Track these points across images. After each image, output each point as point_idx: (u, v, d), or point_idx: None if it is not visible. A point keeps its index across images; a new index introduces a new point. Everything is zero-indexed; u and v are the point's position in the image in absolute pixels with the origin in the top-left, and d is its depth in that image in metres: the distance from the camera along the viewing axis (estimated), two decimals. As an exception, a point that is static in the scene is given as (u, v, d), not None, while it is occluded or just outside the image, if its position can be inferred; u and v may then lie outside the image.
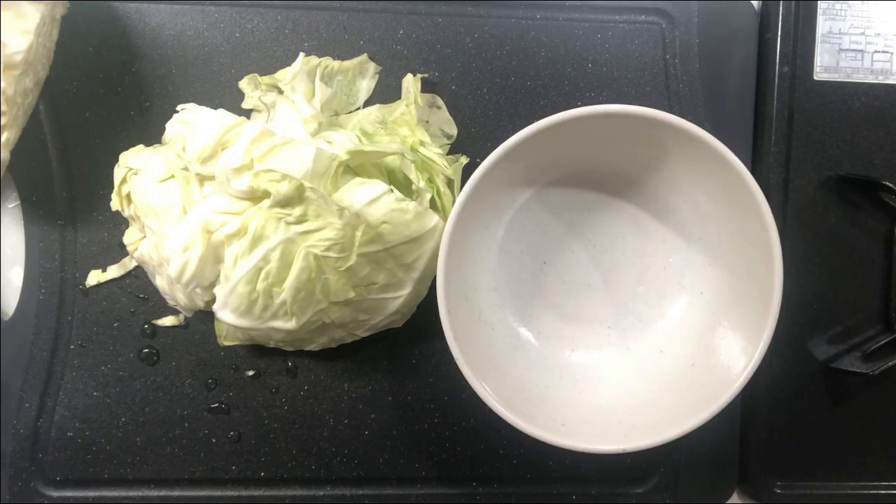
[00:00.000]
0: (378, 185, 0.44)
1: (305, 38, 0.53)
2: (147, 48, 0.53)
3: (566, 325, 0.53)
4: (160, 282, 0.46)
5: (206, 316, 0.51)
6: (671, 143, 0.47)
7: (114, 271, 0.52)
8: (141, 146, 0.48)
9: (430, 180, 0.49)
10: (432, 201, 0.49)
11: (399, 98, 0.53)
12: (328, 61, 0.52)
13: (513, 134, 0.45)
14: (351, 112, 0.53)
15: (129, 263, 0.52)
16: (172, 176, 0.45)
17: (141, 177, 0.46)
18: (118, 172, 0.47)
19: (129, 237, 0.48)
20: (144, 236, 0.46)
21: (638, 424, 0.47)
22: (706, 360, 0.49)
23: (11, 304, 0.52)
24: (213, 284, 0.44)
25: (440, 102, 0.54)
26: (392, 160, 0.48)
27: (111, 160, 0.52)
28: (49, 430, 0.52)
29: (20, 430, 0.51)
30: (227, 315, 0.44)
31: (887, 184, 0.53)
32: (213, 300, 0.45)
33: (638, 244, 0.53)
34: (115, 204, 0.48)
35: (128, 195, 0.47)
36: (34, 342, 0.52)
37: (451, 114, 0.54)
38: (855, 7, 0.55)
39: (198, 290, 0.44)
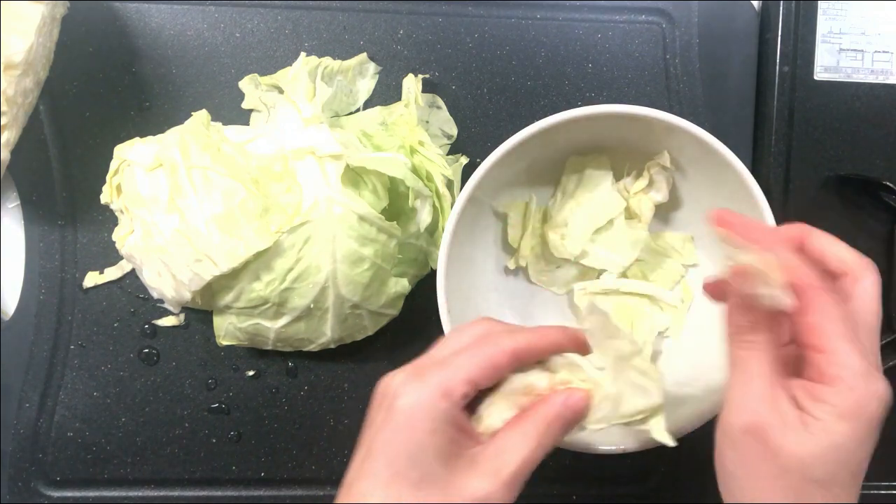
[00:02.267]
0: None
1: (305, 38, 0.53)
2: (147, 48, 0.53)
3: (566, 324, 0.53)
4: (147, 276, 0.46)
5: (205, 316, 0.51)
6: (671, 143, 0.47)
7: (111, 273, 0.52)
8: (136, 139, 0.48)
9: (430, 179, 0.49)
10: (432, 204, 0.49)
11: (399, 98, 0.53)
12: (328, 61, 0.52)
13: (513, 134, 0.45)
14: (351, 113, 0.53)
15: (126, 265, 0.52)
16: (161, 165, 0.45)
17: (132, 166, 0.46)
18: (112, 164, 0.47)
19: (118, 233, 0.48)
20: (133, 231, 0.46)
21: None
22: (707, 360, 0.49)
23: (11, 304, 0.52)
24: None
25: (440, 102, 0.54)
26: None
27: (111, 160, 0.52)
28: (49, 430, 0.52)
29: (20, 430, 0.51)
30: None
31: (887, 184, 0.53)
32: (201, 294, 0.45)
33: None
34: (105, 196, 0.48)
35: (118, 186, 0.47)
36: (34, 342, 0.52)
37: (451, 114, 0.54)
38: (855, 7, 0.55)
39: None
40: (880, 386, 0.30)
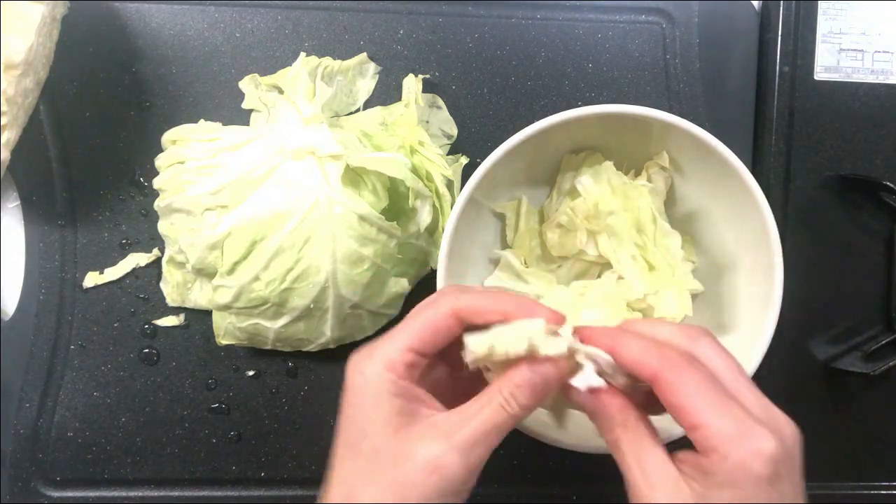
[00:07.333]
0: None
1: (305, 38, 0.53)
2: (147, 48, 0.53)
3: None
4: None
5: (206, 316, 0.51)
6: (671, 143, 0.47)
7: (111, 273, 0.52)
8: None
9: (430, 179, 0.49)
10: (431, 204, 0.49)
11: (399, 98, 0.53)
12: (328, 61, 0.52)
13: (513, 134, 0.45)
14: (351, 113, 0.53)
15: (126, 265, 0.52)
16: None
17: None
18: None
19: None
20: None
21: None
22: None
23: (11, 304, 0.52)
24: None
25: (440, 102, 0.54)
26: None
27: (111, 160, 0.52)
28: (49, 430, 0.52)
29: (20, 430, 0.51)
30: None
31: (888, 184, 0.53)
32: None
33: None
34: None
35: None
36: (34, 342, 0.52)
37: (451, 114, 0.54)
38: (855, 7, 0.55)
39: None
40: (762, 441, 0.29)
